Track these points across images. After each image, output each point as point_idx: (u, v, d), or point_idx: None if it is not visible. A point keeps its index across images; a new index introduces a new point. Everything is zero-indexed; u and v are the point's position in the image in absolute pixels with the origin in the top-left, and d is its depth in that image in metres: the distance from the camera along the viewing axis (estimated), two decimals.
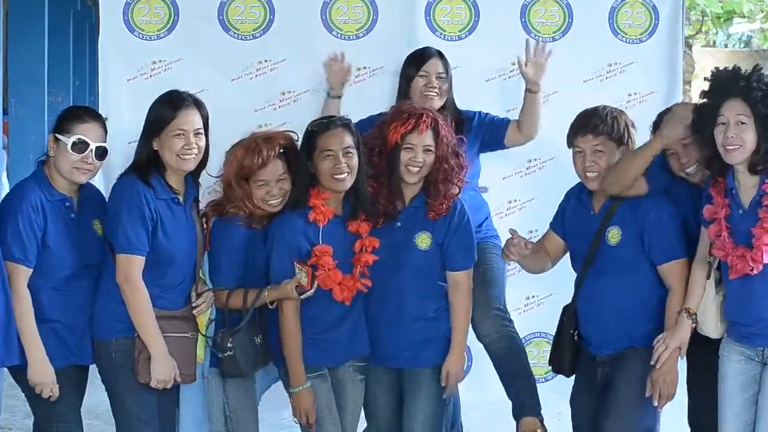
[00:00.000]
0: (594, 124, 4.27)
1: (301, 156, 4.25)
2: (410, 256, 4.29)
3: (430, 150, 4.26)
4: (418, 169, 4.26)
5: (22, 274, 3.96)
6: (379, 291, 4.30)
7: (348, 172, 4.18)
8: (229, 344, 4.15)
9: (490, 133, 4.94)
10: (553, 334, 5.38)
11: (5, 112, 10.34)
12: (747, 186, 3.93)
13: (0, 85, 9.65)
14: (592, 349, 4.35)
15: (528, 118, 4.95)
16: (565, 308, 4.48)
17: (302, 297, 4.12)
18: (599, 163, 4.25)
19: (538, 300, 5.31)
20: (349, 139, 4.21)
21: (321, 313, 4.23)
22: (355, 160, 4.21)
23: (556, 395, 5.46)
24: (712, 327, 4.06)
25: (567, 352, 4.43)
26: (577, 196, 4.43)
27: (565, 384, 5.35)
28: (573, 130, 4.35)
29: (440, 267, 4.34)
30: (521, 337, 5.28)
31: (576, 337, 4.40)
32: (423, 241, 4.30)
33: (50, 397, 4.00)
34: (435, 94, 4.77)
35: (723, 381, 4.02)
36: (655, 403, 4.18)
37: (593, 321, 4.32)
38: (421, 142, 4.25)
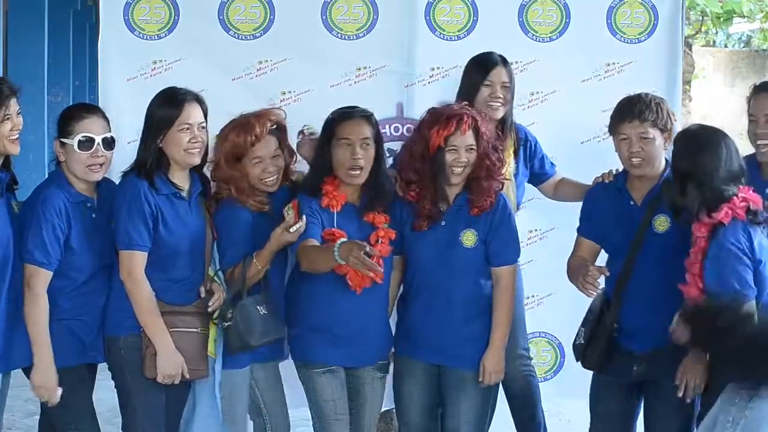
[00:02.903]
0: (640, 110, 4.23)
1: (319, 143, 4.28)
2: (457, 254, 4.29)
3: (473, 149, 4.27)
4: (462, 169, 4.27)
5: (42, 277, 3.98)
6: (426, 290, 4.31)
7: (361, 167, 4.21)
8: (229, 315, 4.16)
9: (534, 171, 4.99)
10: (555, 332, 5.40)
11: None
12: None
13: None
14: (629, 344, 4.26)
15: (566, 197, 4.95)
16: (605, 301, 4.33)
17: (294, 231, 4.07)
18: (645, 149, 4.21)
19: (537, 299, 5.32)
20: (367, 131, 4.25)
21: (331, 298, 4.22)
22: (372, 152, 4.25)
23: (556, 394, 5.48)
24: None
25: (603, 348, 4.30)
26: (613, 190, 4.38)
27: (566, 384, 5.38)
28: (618, 115, 4.30)
29: (486, 264, 4.34)
30: None
31: (615, 334, 4.30)
32: (469, 239, 4.30)
33: (47, 402, 4.01)
34: (499, 104, 4.78)
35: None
36: (685, 396, 4.07)
37: (640, 312, 4.22)
38: (463, 143, 4.25)
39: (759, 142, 4.37)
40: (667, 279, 4.11)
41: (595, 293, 4.30)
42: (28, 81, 10.11)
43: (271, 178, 4.28)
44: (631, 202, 4.31)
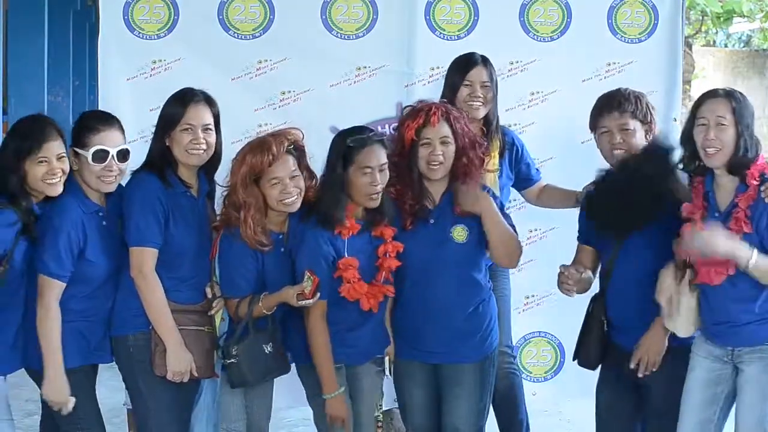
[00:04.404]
0: (619, 102, 4.27)
1: (332, 170, 4.18)
2: (448, 250, 4.26)
3: (448, 141, 4.22)
4: (438, 163, 4.22)
5: (56, 288, 3.96)
6: (419, 289, 4.29)
7: (379, 192, 4.18)
8: (233, 351, 4.13)
9: (520, 176, 5.00)
10: (554, 332, 5.40)
11: (5, 112, 10.35)
12: (725, 189, 3.93)
13: (0, 85, 9.66)
14: (622, 341, 4.26)
15: (550, 203, 5.03)
16: (593, 298, 4.39)
17: (299, 304, 4.06)
18: (627, 141, 4.23)
19: (537, 299, 5.33)
20: (383, 156, 4.20)
21: (343, 316, 4.22)
22: (386, 176, 4.21)
23: (556, 395, 5.49)
24: (682, 326, 4.03)
25: (594, 344, 4.34)
26: None
27: (566, 384, 5.39)
28: (597, 110, 4.33)
29: (477, 258, 4.32)
30: (521, 336, 5.33)
31: (605, 328, 4.31)
32: (459, 234, 4.27)
33: (60, 411, 4.00)
34: (480, 103, 4.76)
35: (689, 375, 4.01)
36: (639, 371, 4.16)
37: (624, 308, 4.23)
38: (436, 135, 4.21)
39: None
40: (647, 277, 4.11)
41: (571, 292, 4.27)
42: (28, 81, 10.19)
43: (291, 199, 4.17)
44: None
